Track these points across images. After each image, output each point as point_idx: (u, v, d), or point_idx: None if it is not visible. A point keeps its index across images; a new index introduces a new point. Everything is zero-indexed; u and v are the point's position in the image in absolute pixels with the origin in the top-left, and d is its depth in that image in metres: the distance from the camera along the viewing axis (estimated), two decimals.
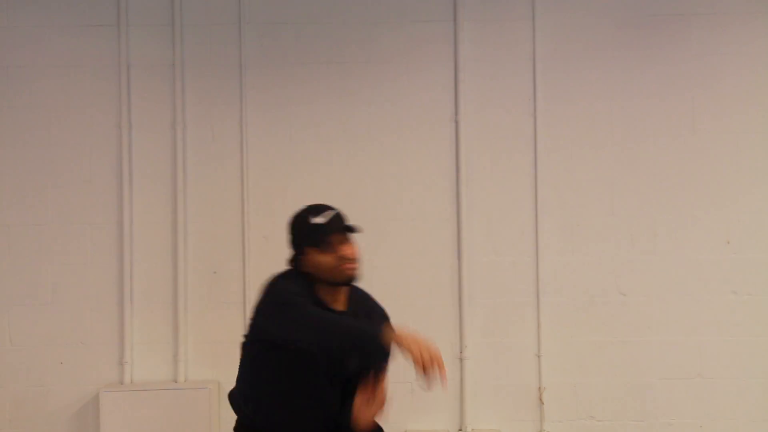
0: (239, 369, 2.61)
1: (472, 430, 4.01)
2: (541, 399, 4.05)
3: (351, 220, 4.06)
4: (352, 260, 2.45)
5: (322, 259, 2.43)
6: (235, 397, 2.61)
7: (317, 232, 2.44)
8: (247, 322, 2.54)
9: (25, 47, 4.11)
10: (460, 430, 4.04)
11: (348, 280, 2.46)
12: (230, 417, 4.07)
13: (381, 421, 2.46)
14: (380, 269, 4.06)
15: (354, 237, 2.49)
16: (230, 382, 4.06)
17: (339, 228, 2.44)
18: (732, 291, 4.04)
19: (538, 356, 4.05)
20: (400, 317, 4.06)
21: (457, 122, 4.08)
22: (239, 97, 4.11)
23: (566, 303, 4.07)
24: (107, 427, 3.87)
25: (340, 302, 2.49)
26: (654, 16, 4.10)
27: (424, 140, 4.11)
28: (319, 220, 2.45)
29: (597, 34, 4.11)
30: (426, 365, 2.12)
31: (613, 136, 4.09)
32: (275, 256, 4.06)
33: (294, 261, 2.53)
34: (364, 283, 4.09)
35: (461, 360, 4.02)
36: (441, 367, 2.10)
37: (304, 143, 4.12)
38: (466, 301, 4.04)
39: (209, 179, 4.10)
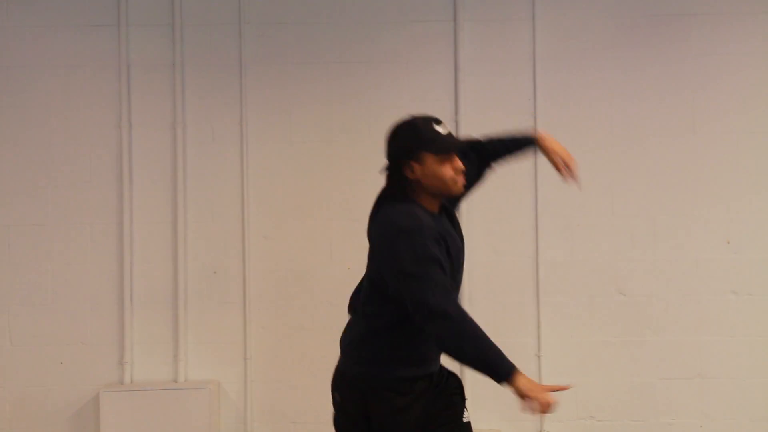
0: (366, 305, 2.51)
1: None
2: None
3: (352, 219, 4.08)
4: (463, 173, 2.44)
5: (440, 169, 2.38)
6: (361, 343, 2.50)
7: (442, 141, 2.39)
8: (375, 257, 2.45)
9: (25, 47, 4.11)
10: None
11: (458, 193, 2.46)
12: (230, 417, 4.09)
13: None
14: None
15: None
16: (230, 382, 4.10)
17: (459, 144, 2.46)
18: (732, 291, 4.04)
19: (538, 356, 4.05)
20: None
21: (457, 122, 4.08)
22: (239, 97, 4.11)
23: (566, 303, 4.07)
24: (107, 427, 3.87)
25: (436, 208, 2.47)
26: (654, 16, 4.10)
27: None
28: (442, 130, 2.41)
29: (597, 34, 4.11)
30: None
31: (613, 136, 4.09)
32: (275, 256, 4.10)
33: (397, 170, 2.44)
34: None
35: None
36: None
37: (304, 143, 4.12)
38: (466, 301, 4.04)
39: (209, 179, 4.10)
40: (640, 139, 4.07)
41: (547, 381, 4.06)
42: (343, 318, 4.10)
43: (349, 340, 2.52)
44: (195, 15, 4.12)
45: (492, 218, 4.09)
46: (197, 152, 4.11)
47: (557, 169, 2.76)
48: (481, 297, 4.06)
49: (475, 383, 4.03)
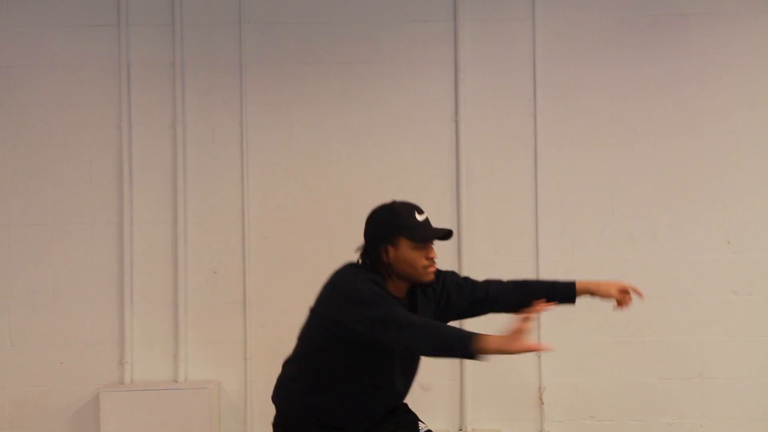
0: (297, 348, 2.68)
1: (472, 430, 4.02)
2: (541, 399, 4.05)
3: (351, 219, 4.07)
4: (433, 262, 2.50)
5: (414, 256, 2.45)
6: (282, 381, 2.72)
7: (420, 229, 2.47)
8: (310, 312, 2.56)
9: (25, 47, 4.11)
10: (460, 430, 4.04)
11: (427, 282, 2.50)
12: (230, 417, 4.09)
13: None
14: None
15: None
16: (230, 382, 4.09)
17: (436, 235, 2.49)
18: (732, 291, 4.04)
19: (538, 356, 4.05)
20: None
21: (457, 122, 4.08)
22: (239, 97, 4.11)
23: None
24: (107, 427, 3.87)
25: (404, 294, 2.52)
26: (654, 15, 4.10)
27: (424, 140, 4.11)
28: (421, 218, 2.49)
29: (597, 34, 4.11)
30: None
31: (613, 136, 4.09)
32: (275, 256, 4.10)
33: (372, 250, 2.49)
34: None
35: (461, 360, 4.02)
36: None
37: (304, 143, 4.12)
38: None
39: (209, 179, 4.10)
40: (640, 139, 4.07)
41: (547, 381, 4.06)
42: None
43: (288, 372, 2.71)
44: (195, 15, 4.12)
45: (492, 218, 4.09)
46: (197, 152, 4.11)
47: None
48: None
49: (475, 383, 4.04)
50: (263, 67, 4.12)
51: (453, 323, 2.47)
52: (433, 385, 4.03)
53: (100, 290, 4.07)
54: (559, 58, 4.09)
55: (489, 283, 2.71)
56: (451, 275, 2.69)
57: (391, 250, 2.45)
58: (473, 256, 4.06)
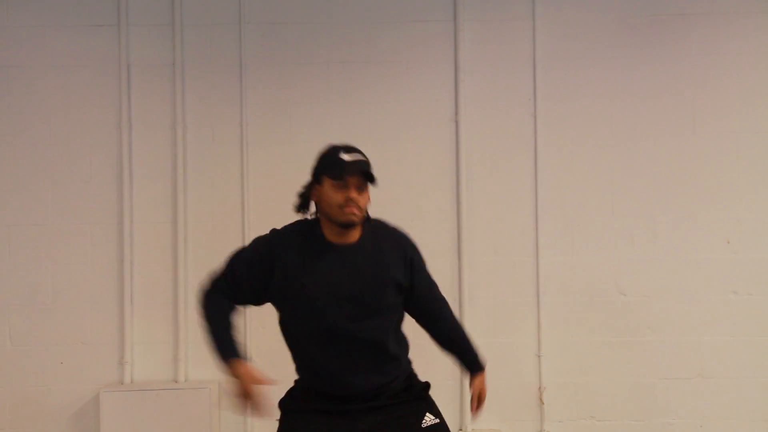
0: None
1: (472, 430, 4.01)
2: (541, 399, 4.05)
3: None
4: (357, 206, 2.47)
5: (332, 195, 2.47)
6: None
7: (340, 166, 2.47)
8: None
9: (25, 47, 4.11)
10: (461, 430, 4.04)
11: (345, 223, 2.48)
12: (230, 417, 4.08)
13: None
14: None
15: (369, 187, 2.53)
16: (230, 382, 4.08)
17: (360, 171, 2.47)
18: (732, 291, 4.04)
19: (538, 356, 4.05)
20: None
21: (457, 122, 4.08)
22: (239, 97, 4.11)
23: (566, 303, 4.07)
24: (107, 427, 3.87)
25: (347, 238, 2.52)
26: (654, 16, 4.10)
27: (424, 140, 4.11)
28: (346, 157, 2.49)
29: (597, 34, 4.11)
30: (241, 398, 2.47)
31: (613, 136, 4.09)
32: None
33: (307, 189, 2.60)
34: None
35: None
36: (255, 402, 2.46)
37: (304, 143, 4.12)
38: (466, 301, 4.04)
39: (209, 179, 4.10)
40: (640, 139, 4.07)
41: (547, 381, 4.06)
42: None
43: None
44: (195, 15, 4.12)
45: (492, 218, 4.09)
46: (197, 152, 4.11)
47: (471, 403, 2.76)
48: (481, 297, 4.06)
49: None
50: (263, 67, 4.12)
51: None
52: (433, 385, 4.02)
53: (100, 290, 4.07)
54: (559, 58, 4.09)
55: (438, 311, 2.74)
56: (422, 268, 2.68)
57: (317, 189, 2.54)
58: (473, 256, 4.06)
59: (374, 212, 4.08)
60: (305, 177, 4.11)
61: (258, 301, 2.60)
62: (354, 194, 2.45)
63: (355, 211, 2.46)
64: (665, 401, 4.05)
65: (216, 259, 4.10)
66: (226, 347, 2.49)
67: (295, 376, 2.69)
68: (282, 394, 2.67)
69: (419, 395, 2.62)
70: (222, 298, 2.55)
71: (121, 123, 4.08)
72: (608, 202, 4.07)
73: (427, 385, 2.68)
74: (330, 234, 2.51)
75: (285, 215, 4.13)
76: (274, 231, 2.58)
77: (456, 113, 4.09)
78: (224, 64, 4.11)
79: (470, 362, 2.75)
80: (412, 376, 2.67)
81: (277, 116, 4.12)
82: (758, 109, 4.06)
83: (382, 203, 4.11)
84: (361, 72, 4.12)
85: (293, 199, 4.11)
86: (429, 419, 2.57)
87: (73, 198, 4.08)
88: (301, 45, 4.12)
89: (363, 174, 2.46)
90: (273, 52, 4.13)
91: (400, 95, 4.11)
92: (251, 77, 4.11)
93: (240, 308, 2.60)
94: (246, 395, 2.45)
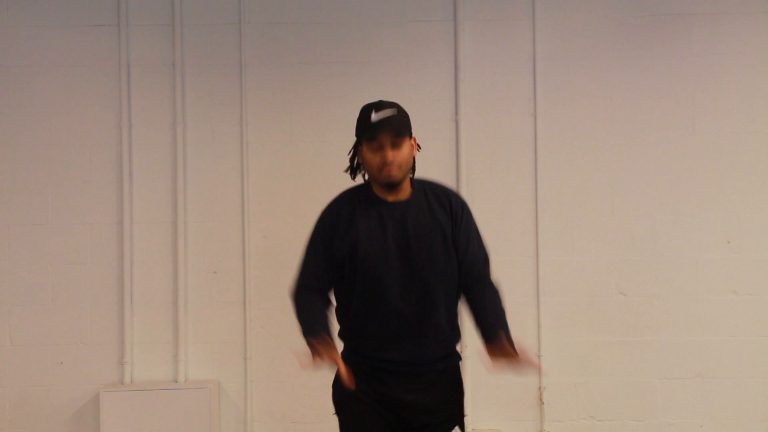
0: None
1: (473, 430, 4.01)
2: (541, 399, 4.05)
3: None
4: (395, 165, 2.47)
5: (370, 157, 2.50)
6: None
7: (371, 128, 2.49)
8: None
9: (25, 47, 4.11)
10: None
11: (387, 184, 2.49)
12: (230, 417, 4.09)
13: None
14: None
15: (409, 139, 2.55)
16: (230, 382, 4.09)
17: (389, 129, 2.46)
18: (732, 291, 4.04)
19: (538, 356, 4.05)
20: None
21: (457, 122, 4.08)
22: (239, 97, 4.11)
23: (566, 303, 4.07)
24: (107, 427, 3.86)
25: (398, 195, 2.54)
26: (654, 16, 4.10)
27: (424, 140, 4.08)
28: (374, 117, 2.49)
29: (597, 34, 4.11)
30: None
31: (613, 136, 4.09)
32: (275, 256, 4.09)
33: (353, 153, 2.66)
34: None
35: (461, 360, 4.01)
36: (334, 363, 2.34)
37: (304, 143, 4.12)
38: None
39: (209, 179, 4.10)
40: (640, 139, 4.07)
41: (547, 381, 4.06)
42: None
43: None
44: (195, 15, 4.12)
45: (492, 218, 4.09)
46: (197, 152, 4.11)
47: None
48: None
49: (475, 383, 4.04)
50: (263, 67, 4.12)
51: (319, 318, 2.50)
52: None
53: (100, 290, 4.07)
54: (559, 58, 4.09)
55: (472, 277, 2.64)
56: (467, 225, 2.64)
57: (360, 152, 2.58)
58: None
59: None
60: (305, 177, 4.14)
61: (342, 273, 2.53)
62: (389, 154, 2.45)
63: (393, 171, 2.47)
64: (665, 401, 4.05)
65: (216, 259, 4.14)
66: (310, 324, 2.42)
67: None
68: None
69: (456, 380, 2.62)
70: (309, 296, 2.51)
71: (121, 123, 4.08)
72: (608, 202, 4.07)
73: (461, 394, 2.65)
74: (381, 192, 2.53)
75: (285, 215, 4.15)
76: (332, 200, 2.61)
77: (456, 113, 4.09)
78: (224, 64, 4.11)
79: (489, 327, 2.56)
80: (450, 358, 2.62)
81: (277, 116, 4.12)
82: (758, 109, 4.06)
83: None
84: (361, 72, 4.12)
85: (293, 199, 4.14)
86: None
87: (73, 198, 4.08)
88: (301, 45, 4.12)
89: (393, 130, 2.45)
90: (273, 52, 4.13)
91: (400, 95, 4.07)
92: (251, 77, 4.11)
93: (331, 295, 2.59)
94: (321, 358, 2.34)
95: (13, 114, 4.09)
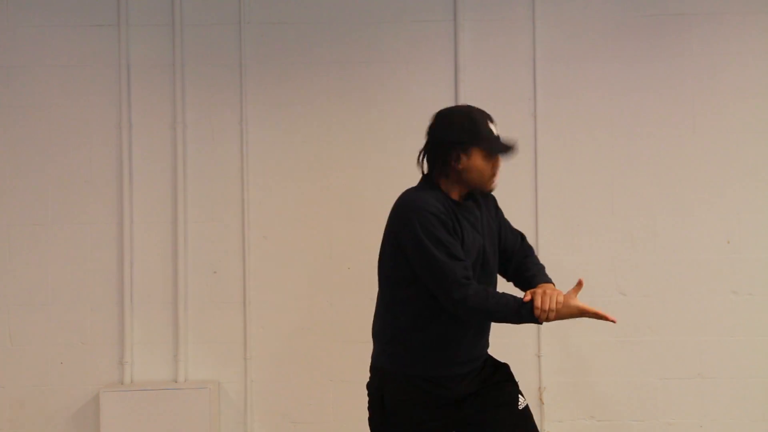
0: (379, 293, 2.62)
1: None
2: (541, 399, 4.05)
3: (351, 219, 4.08)
4: (496, 177, 2.55)
5: (483, 165, 2.48)
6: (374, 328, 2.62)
7: (494, 140, 2.49)
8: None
9: (25, 47, 4.11)
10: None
11: (488, 191, 2.58)
12: (230, 417, 4.09)
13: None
14: None
15: (498, 123, 2.59)
16: (230, 382, 4.09)
17: (509, 149, 2.52)
18: (732, 291, 4.04)
19: (538, 356, 4.05)
20: None
21: None
22: (239, 97, 4.11)
23: None
24: (107, 427, 3.87)
25: (459, 197, 2.57)
26: (654, 15, 4.10)
27: (424, 140, 4.10)
28: (495, 129, 2.51)
29: (597, 34, 4.11)
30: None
31: (613, 136, 4.09)
32: (275, 256, 4.10)
33: (443, 154, 2.52)
34: (366, 281, 4.10)
35: None
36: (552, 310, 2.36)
37: (304, 143, 4.12)
38: None
39: (209, 179, 4.10)
40: (641, 139, 4.07)
41: (547, 381, 4.06)
42: (343, 317, 4.11)
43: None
44: (195, 15, 4.12)
45: None
46: (197, 152, 4.11)
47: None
48: None
49: None
50: (263, 66, 4.12)
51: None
52: None
53: (100, 290, 4.07)
54: (559, 58, 4.09)
55: (522, 247, 2.74)
56: (501, 210, 2.74)
57: (463, 157, 2.48)
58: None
59: (376, 212, 4.09)
60: (305, 177, 4.14)
61: None
62: (498, 165, 2.53)
63: (496, 179, 2.55)
64: (665, 401, 4.05)
65: (216, 259, 4.14)
66: (515, 299, 2.39)
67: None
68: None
69: (508, 376, 2.63)
70: (480, 286, 2.42)
71: (121, 123, 4.08)
72: (608, 201, 4.07)
73: (507, 365, 2.68)
74: (456, 196, 2.54)
75: (285, 215, 4.15)
76: (421, 200, 2.47)
77: None
78: (224, 64, 4.11)
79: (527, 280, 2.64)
80: (491, 358, 2.68)
81: (277, 116, 4.12)
82: (758, 108, 4.06)
83: (383, 203, 4.11)
84: (361, 72, 4.12)
85: (293, 199, 4.14)
86: (522, 400, 2.60)
87: (73, 198, 4.08)
88: (301, 45, 4.12)
89: (506, 150, 2.51)
90: (273, 52, 4.13)
91: (400, 95, 4.11)
92: (251, 77, 4.11)
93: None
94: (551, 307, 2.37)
95: (13, 114, 4.09)
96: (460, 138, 2.49)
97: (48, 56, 4.11)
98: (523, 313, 2.36)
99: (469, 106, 2.60)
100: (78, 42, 4.11)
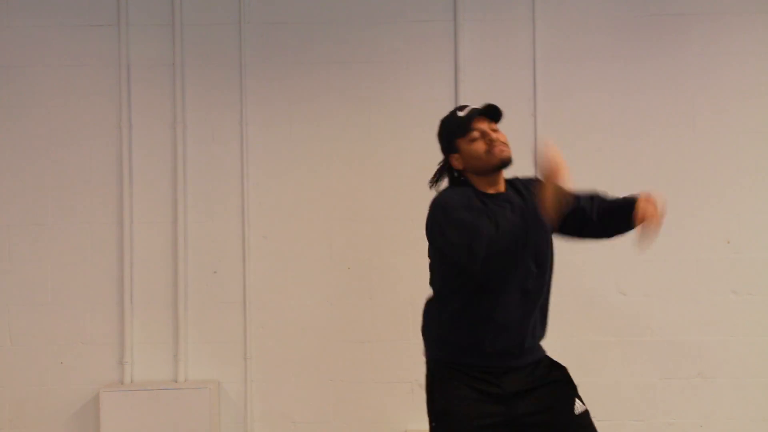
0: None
1: None
2: None
3: (351, 219, 4.08)
4: (501, 142, 2.50)
5: (473, 147, 2.47)
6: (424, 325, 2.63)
7: (463, 122, 2.48)
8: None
9: (25, 47, 4.11)
10: None
11: (502, 162, 2.50)
12: (230, 417, 4.09)
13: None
14: (380, 269, 4.06)
15: (499, 124, 2.55)
16: (230, 382, 4.09)
17: (482, 113, 2.49)
18: (732, 291, 4.04)
19: None
20: (400, 317, 4.07)
21: None
22: (239, 96, 4.11)
23: (566, 303, 4.06)
24: (107, 427, 3.87)
25: (499, 188, 2.55)
26: (654, 15, 4.10)
27: (424, 140, 4.09)
28: (462, 113, 2.51)
29: (597, 33, 4.11)
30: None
31: (613, 136, 4.09)
32: (275, 256, 4.10)
33: (447, 163, 2.57)
34: (366, 281, 4.10)
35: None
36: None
37: (304, 143, 4.12)
38: None
39: (209, 179, 4.10)
40: (640, 139, 4.07)
41: None
42: (343, 317, 4.11)
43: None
44: (195, 15, 4.12)
45: None
46: (197, 152, 4.11)
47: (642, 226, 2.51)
48: None
49: None
50: (263, 66, 4.12)
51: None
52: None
53: (100, 290, 4.07)
54: (559, 57, 4.09)
55: (589, 197, 2.65)
56: (524, 181, 2.67)
57: (456, 156, 2.52)
58: None
59: (375, 212, 4.10)
60: (305, 177, 4.13)
61: None
62: (492, 134, 2.48)
63: (503, 147, 2.49)
64: (665, 401, 4.05)
65: (216, 259, 4.14)
66: (523, 217, 2.36)
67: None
68: None
69: (565, 378, 2.56)
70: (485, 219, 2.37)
71: (121, 123, 4.08)
72: None
73: (565, 368, 2.61)
74: (483, 187, 2.51)
75: (285, 215, 4.15)
76: (441, 194, 2.50)
77: None
78: (224, 64, 4.11)
79: (624, 206, 2.54)
80: (549, 357, 2.61)
81: (277, 116, 4.12)
82: (758, 108, 4.06)
83: (383, 203, 4.12)
84: (361, 72, 4.12)
85: (293, 199, 4.14)
86: (579, 405, 2.52)
87: (73, 198, 4.08)
88: (301, 45, 4.12)
89: (485, 114, 2.49)
90: (273, 52, 4.13)
91: (400, 95, 4.11)
92: (251, 77, 4.11)
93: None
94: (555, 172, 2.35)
95: (13, 114, 4.09)
96: (444, 144, 2.57)
97: (48, 56, 4.11)
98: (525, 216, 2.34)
99: (447, 115, 2.60)
100: (78, 42, 4.11)
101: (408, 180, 4.10)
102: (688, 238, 4.06)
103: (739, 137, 4.05)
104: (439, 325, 2.52)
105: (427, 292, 4.06)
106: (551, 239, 2.60)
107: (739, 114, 4.06)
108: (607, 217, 2.62)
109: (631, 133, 4.07)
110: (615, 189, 4.05)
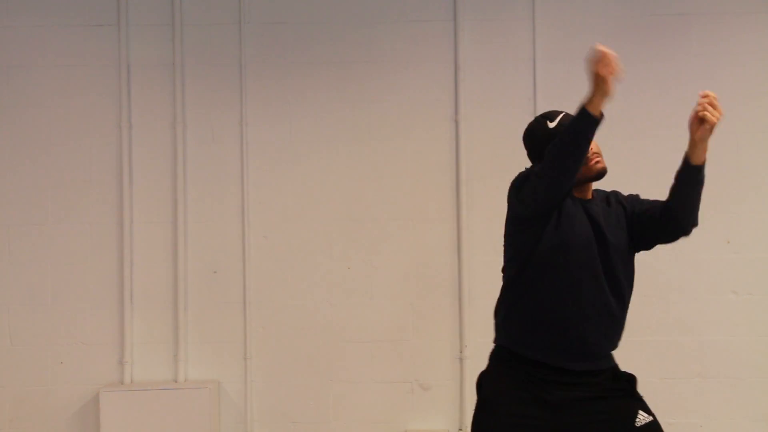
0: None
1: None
2: None
3: (351, 219, 4.08)
4: (595, 153, 2.55)
5: None
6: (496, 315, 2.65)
7: (553, 137, 2.49)
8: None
9: (25, 47, 4.11)
10: (460, 430, 4.03)
11: (598, 174, 2.54)
12: (230, 417, 4.09)
13: None
14: (380, 269, 4.06)
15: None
16: (230, 382, 4.09)
17: (560, 126, 2.51)
18: (732, 291, 4.04)
19: None
20: (400, 317, 4.07)
21: (457, 122, 4.08)
22: (239, 96, 4.11)
23: None
24: (107, 427, 3.87)
25: (588, 195, 2.58)
26: (654, 15, 4.10)
27: (424, 140, 4.11)
28: (554, 124, 2.52)
29: (597, 33, 4.10)
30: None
31: (612, 136, 4.07)
32: (275, 256, 4.10)
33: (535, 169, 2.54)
34: (365, 282, 4.10)
35: (461, 360, 4.02)
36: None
37: (304, 143, 4.13)
38: (466, 301, 4.04)
39: (209, 179, 4.10)
40: (640, 139, 4.07)
41: None
42: (343, 317, 4.11)
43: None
44: (195, 15, 4.12)
45: (492, 218, 4.08)
46: (197, 152, 4.11)
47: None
48: (481, 297, 4.05)
49: (474, 384, 4.03)
50: (263, 66, 4.12)
51: None
52: (433, 385, 4.03)
53: (100, 290, 4.07)
54: (559, 57, 4.09)
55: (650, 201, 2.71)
56: (616, 193, 2.69)
57: None
58: (473, 256, 4.06)
59: (375, 212, 4.10)
60: (305, 177, 4.13)
61: (540, 218, 2.49)
62: (592, 146, 2.51)
63: (598, 158, 2.55)
64: (665, 401, 4.04)
65: (216, 259, 4.14)
66: (578, 115, 2.43)
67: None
68: None
69: (628, 391, 2.54)
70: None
71: (121, 123, 4.08)
72: None
73: (633, 378, 2.59)
74: (578, 194, 2.53)
75: (285, 215, 4.15)
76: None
77: (456, 113, 4.09)
78: (224, 64, 4.11)
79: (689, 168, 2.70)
80: (617, 368, 2.61)
81: (277, 116, 4.12)
82: (759, 108, 4.06)
83: (383, 203, 4.12)
84: (361, 72, 4.12)
85: (293, 199, 4.14)
86: (642, 417, 2.49)
87: (73, 198, 4.08)
88: (300, 45, 4.12)
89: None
90: (273, 52, 4.13)
91: (400, 95, 4.11)
92: (251, 77, 4.12)
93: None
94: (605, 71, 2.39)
95: (13, 114, 4.09)
96: (533, 152, 2.61)
97: (48, 56, 4.11)
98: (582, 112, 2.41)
99: (531, 122, 2.64)
100: (78, 42, 4.11)
101: (408, 180, 4.10)
102: (688, 238, 4.05)
103: (739, 137, 4.05)
104: (507, 309, 2.54)
105: (427, 292, 4.08)
106: (627, 248, 2.66)
107: (739, 114, 4.05)
108: (671, 199, 2.71)
109: (630, 133, 4.07)
110: (615, 187, 4.06)
